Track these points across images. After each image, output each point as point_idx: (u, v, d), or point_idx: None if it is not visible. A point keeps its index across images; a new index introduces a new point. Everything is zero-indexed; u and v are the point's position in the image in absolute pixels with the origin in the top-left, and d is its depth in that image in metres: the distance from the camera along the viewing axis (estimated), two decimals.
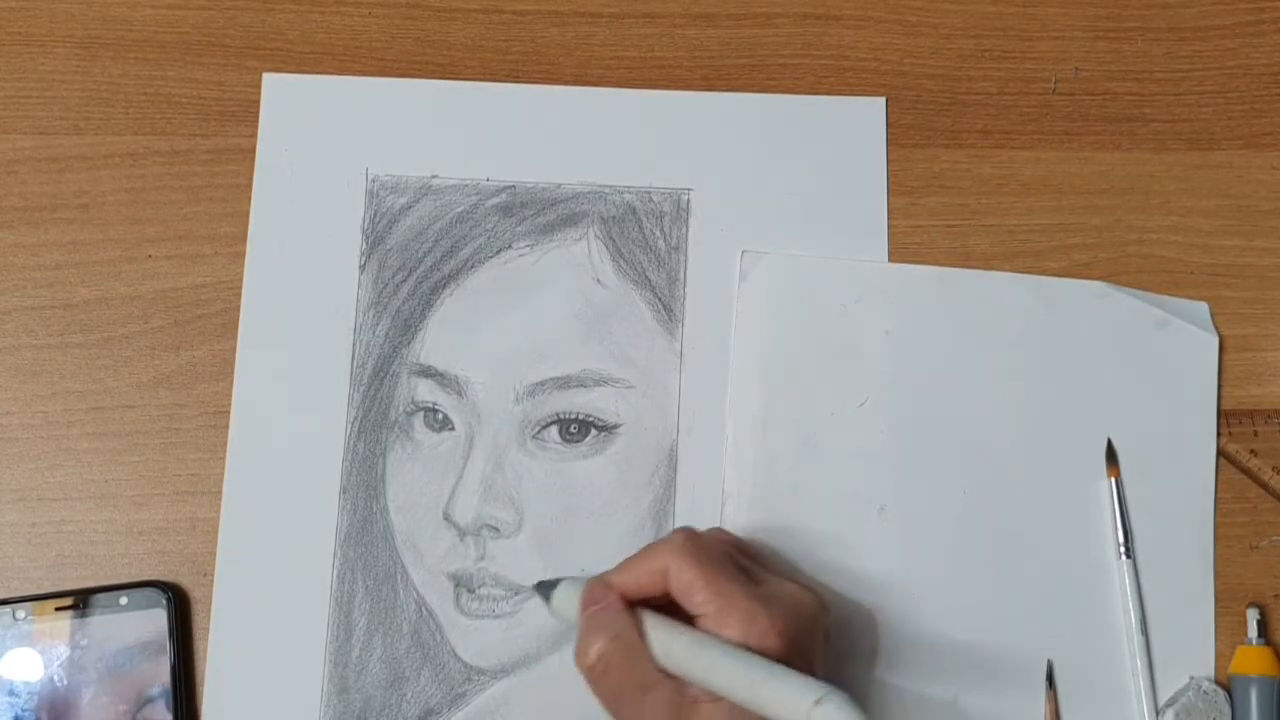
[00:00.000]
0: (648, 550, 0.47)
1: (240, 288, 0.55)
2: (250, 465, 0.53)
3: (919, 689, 0.52)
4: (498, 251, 0.55)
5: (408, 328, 0.55)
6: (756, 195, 0.56)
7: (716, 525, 0.53)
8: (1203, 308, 0.56)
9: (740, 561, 0.48)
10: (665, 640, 0.45)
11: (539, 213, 0.56)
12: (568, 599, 0.48)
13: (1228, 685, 0.52)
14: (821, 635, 0.47)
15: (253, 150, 0.56)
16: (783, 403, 0.54)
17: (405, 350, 0.55)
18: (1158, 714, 0.52)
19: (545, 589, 0.49)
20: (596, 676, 0.45)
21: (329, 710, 0.52)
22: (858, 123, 0.57)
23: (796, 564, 0.53)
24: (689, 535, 0.47)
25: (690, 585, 0.45)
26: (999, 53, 0.58)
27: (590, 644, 0.45)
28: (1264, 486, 0.54)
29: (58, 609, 0.51)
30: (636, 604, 0.46)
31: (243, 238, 0.55)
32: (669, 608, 0.46)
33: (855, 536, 0.53)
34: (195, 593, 0.53)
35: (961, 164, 0.57)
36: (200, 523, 0.53)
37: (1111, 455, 0.54)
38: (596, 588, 0.47)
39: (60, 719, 0.50)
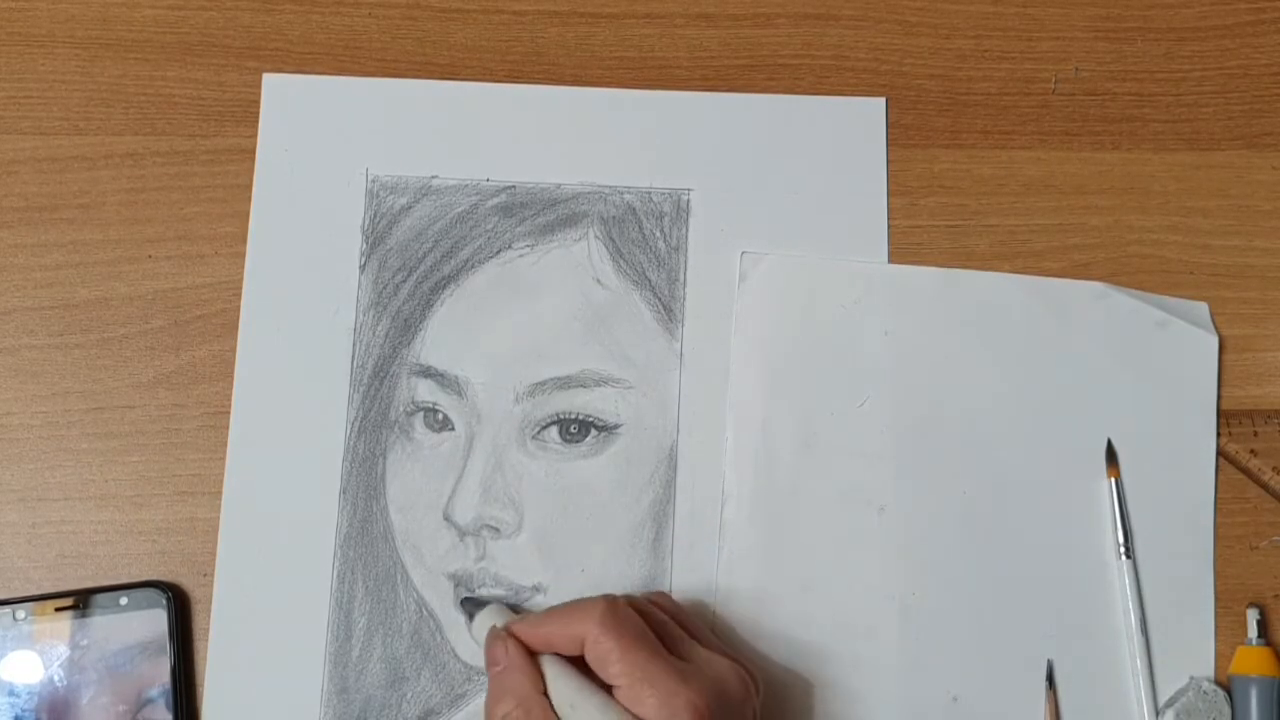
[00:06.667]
0: (568, 610, 0.47)
1: (240, 288, 0.55)
2: (250, 465, 0.53)
3: (919, 689, 0.52)
4: (498, 252, 0.55)
5: (408, 328, 0.55)
6: (756, 195, 0.56)
7: (662, 590, 0.52)
8: (1203, 308, 0.56)
9: (671, 632, 0.47)
10: (570, 698, 0.45)
11: (539, 213, 0.56)
12: (486, 629, 0.49)
13: (1228, 685, 0.52)
14: (750, 716, 0.46)
15: (253, 150, 0.56)
16: (783, 403, 0.54)
17: (405, 350, 0.55)
18: (1158, 714, 0.52)
19: (470, 607, 0.51)
20: None
21: (329, 710, 0.52)
22: (858, 123, 0.57)
23: (798, 566, 0.53)
24: (610, 604, 0.46)
25: (606, 656, 0.44)
26: (999, 53, 0.58)
27: (496, 709, 0.45)
28: (1264, 486, 0.54)
29: (58, 609, 0.51)
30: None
31: (243, 238, 0.55)
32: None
33: (855, 536, 0.53)
34: (195, 593, 0.53)
35: (961, 164, 0.57)
36: (200, 523, 0.53)
37: (1111, 455, 0.54)
38: (497, 647, 0.47)
39: (60, 719, 0.50)
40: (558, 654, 0.46)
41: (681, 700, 0.43)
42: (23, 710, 0.50)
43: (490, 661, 0.47)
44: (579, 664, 0.46)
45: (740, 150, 0.57)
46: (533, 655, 0.47)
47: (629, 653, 0.44)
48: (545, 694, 0.45)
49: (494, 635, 0.47)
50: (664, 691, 0.43)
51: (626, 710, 0.44)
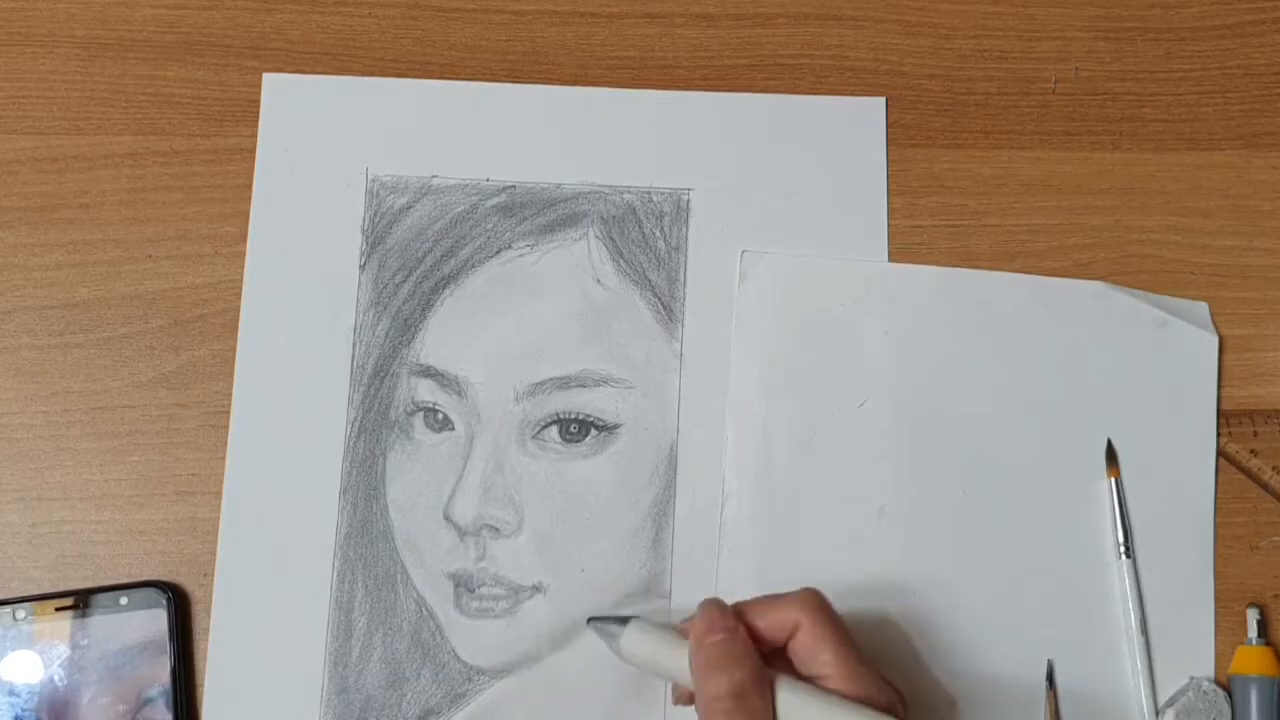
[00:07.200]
0: (775, 600, 0.46)
1: (240, 288, 0.55)
2: (250, 465, 0.53)
3: (919, 690, 0.52)
4: (498, 251, 0.55)
5: (408, 328, 0.55)
6: (756, 195, 0.56)
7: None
8: (1203, 308, 0.56)
9: None
10: (786, 691, 0.44)
11: (539, 213, 0.56)
12: (642, 642, 0.47)
13: (1227, 685, 0.52)
14: None
15: (253, 150, 0.56)
16: (783, 403, 0.54)
17: (405, 350, 0.55)
18: (1158, 714, 0.52)
19: (608, 625, 0.48)
20: (725, 710, 0.43)
21: (329, 710, 0.52)
22: (858, 123, 0.57)
23: (798, 566, 0.53)
24: (822, 596, 0.46)
25: (821, 644, 0.44)
26: (999, 53, 0.58)
27: (731, 673, 0.43)
28: (1264, 486, 0.54)
29: (58, 609, 0.51)
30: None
31: (243, 238, 0.55)
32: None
33: (855, 536, 0.53)
34: (195, 593, 0.53)
35: (961, 164, 0.57)
36: (200, 523, 0.53)
37: (1111, 455, 0.54)
38: (725, 615, 0.45)
39: (60, 719, 0.50)
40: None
41: (884, 694, 0.44)
42: (23, 710, 0.50)
43: (711, 629, 0.45)
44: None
45: (740, 150, 0.57)
46: None
47: (840, 643, 0.45)
48: None
49: (716, 604, 0.46)
50: (871, 684, 0.44)
51: (854, 700, 0.43)
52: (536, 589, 0.53)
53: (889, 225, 0.56)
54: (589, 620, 0.50)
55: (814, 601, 0.46)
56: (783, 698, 0.44)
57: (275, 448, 0.54)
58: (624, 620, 0.48)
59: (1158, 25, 0.59)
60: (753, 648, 0.45)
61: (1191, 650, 0.53)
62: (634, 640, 0.47)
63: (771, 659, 0.46)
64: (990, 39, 0.58)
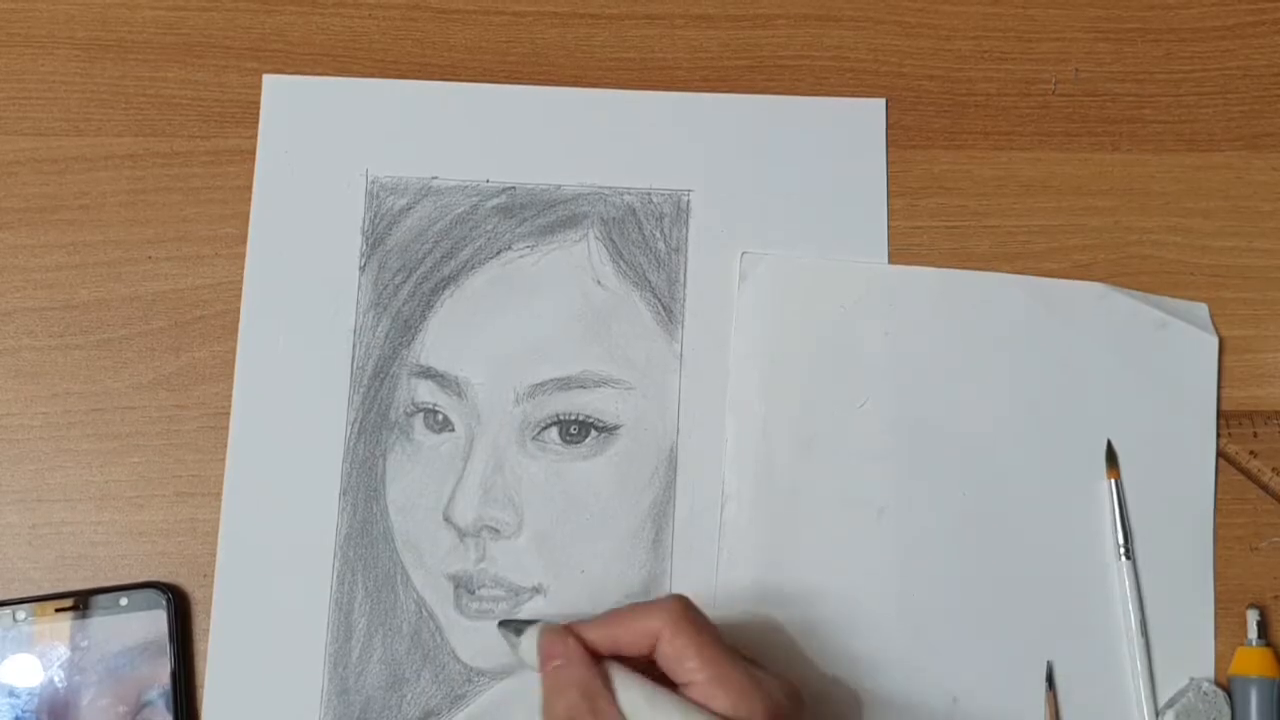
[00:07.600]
0: (637, 609, 0.46)
1: (240, 288, 0.55)
2: (250, 466, 0.53)
3: (918, 690, 0.52)
4: (498, 253, 0.55)
5: (408, 329, 0.55)
6: (756, 196, 0.56)
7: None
8: (1203, 308, 0.56)
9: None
10: (642, 699, 0.44)
11: (539, 214, 0.56)
12: (537, 642, 0.47)
13: (1227, 686, 0.52)
14: None
15: (253, 151, 0.56)
16: (783, 403, 0.54)
17: (405, 351, 0.55)
18: (1158, 715, 0.52)
19: (512, 628, 0.48)
20: None
21: (329, 711, 0.52)
22: (857, 124, 0.57)
23: (798, 567, 0.53)
24: (687, 602, 0.46)
25: (683, 652, 0.44)
26: (999, 54, 0.58)
27: (557, 702, 0.44)
28: (1264, 487, 0.54)
29: (58, 610, 0.51)
30: (604, 658, 0.45)
31: (243, 239, 0.55)
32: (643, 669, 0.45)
33: (855, 537, 0.53)
34: (195, 594, 0.53)
35: (961, 165, 0.57)
36: (200, 523, 0.53)
37: (1111, 456, 0.54)
38: (555, 641, 0.45)
39: None
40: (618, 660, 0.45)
41: (755, 702, 0.43)
42: (23, 711, 0.50)
43: (547, 657, 0.45)
44: (638, 669, 0.45)
45: (740, 150, 0.57)
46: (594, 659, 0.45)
47: (705, 649, 0.44)
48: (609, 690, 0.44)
49: (552, 630, 0.46)
50: (739, 690, 0.43)
51: (703, 707, 0.43)
52: (536, 590, 0.53)
53: (889, 226, 0.56)
54: (499, 624, 0.49)
55: (676, 609, 0.45)
56: (626, 707, 0.44)
57: (275, 449, 0.54)
58: (528, 624, 0.47)
59: (1158, 26, 0.59)
60: (586, 669, 0.44)
61: (1191, 651, 0.53)
62: (532, 646, 0.47)
63: (650, 668, 0.45)
64: (990, 40, 0.58)
